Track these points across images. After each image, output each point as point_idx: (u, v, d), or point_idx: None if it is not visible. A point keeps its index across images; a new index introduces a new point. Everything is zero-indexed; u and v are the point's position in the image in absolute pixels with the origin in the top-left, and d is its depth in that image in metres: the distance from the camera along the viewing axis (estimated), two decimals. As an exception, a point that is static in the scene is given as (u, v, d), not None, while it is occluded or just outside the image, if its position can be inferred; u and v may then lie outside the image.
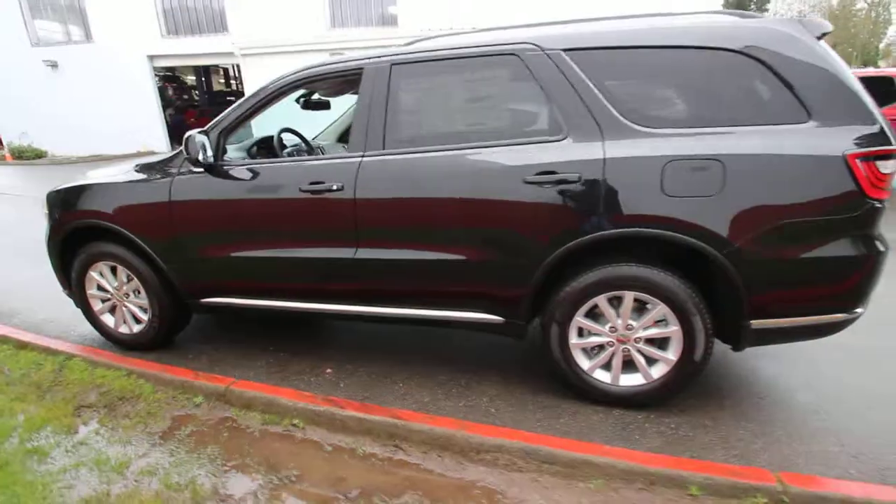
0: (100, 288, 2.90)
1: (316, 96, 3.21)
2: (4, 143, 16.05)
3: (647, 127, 1.95)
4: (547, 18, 2.38)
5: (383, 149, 2.24)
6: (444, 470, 1.88)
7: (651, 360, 2.17)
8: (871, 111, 1.82)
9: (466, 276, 2.22)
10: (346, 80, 2.48)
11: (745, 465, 1.87)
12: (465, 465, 1.90)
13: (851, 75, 1.87)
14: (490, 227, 2.12)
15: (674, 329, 2.06)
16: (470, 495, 1.75)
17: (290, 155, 2.94)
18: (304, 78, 2.40)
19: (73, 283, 2.90)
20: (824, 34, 1.93)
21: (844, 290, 1.95)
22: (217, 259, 2.55)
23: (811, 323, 2.01)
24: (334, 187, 2.26)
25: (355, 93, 3.37)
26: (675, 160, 1.88)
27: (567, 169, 1.98)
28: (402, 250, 2.26)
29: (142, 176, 2.70)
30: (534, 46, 2.07)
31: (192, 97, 23.25)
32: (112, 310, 2.95)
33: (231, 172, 2.47)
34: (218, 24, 15.68)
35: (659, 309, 2.05)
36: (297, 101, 3.12)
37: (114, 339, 2.98)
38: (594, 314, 2.17)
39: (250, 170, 2.45)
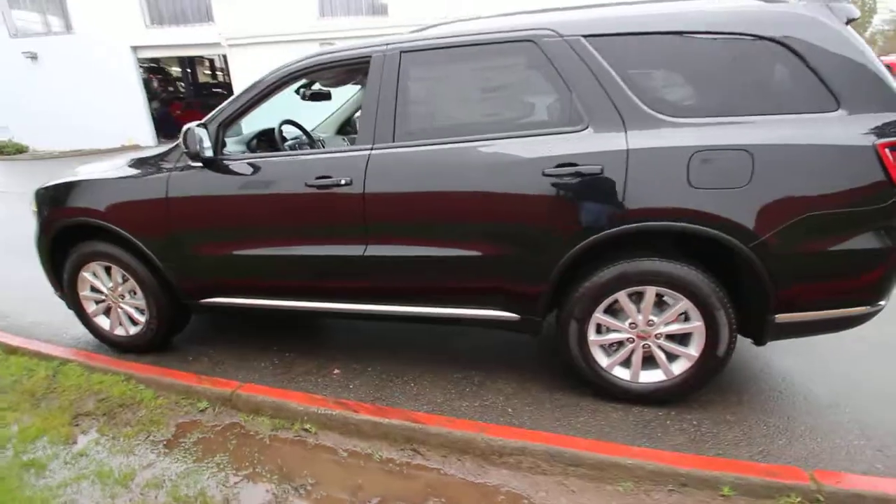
0: (93, 289, 2.78)
1: (316, 87, 3.08)
2: (-17, 138, 15.58)
3: (672, 116, 1.88)
4: (560, 3, 2.28)
5: (393, 141, 2.14)
6: (466, 474, 1.81)
7: (671, 356, 2.12)
8: (901, 98, 1.76)
9: (481, 272, 2.15)
10: (352, 69, 2.37)
11: (772, 461, 1.84)
12: (486, 469, 1.83)
13: (879, 62, 1.81)
14: (507, 221, 2.04)
15: (697, 324, 2.01)
16: (494, 501, 1.69)
17: (291, 148, 2.83)
18: (308, 67, 2.29)
19: (65, 285, 2.77)
20: (851, 19, 1.87)
21: (869, 282, 1.91)
22: (218, 258, 2.44)
23: (835, 316, 1.97)
24: (342, 182, 2.16)
25: (357, 83, 3.33)
26: (702, 151, 1.81)
27: (588, 161, 1.90)
28: (414, 247, 2.17)
29: (136, 171, 2.57)
30: (551, 32, 1.98)
31: (178, 89, 22.77)
32: (107, 311, 2.83)
33: (231, 167, 2.35)
34: (203, 13, 15.29)
35: (682, 304, 1.99)
36: (297, 91, 2.99)
37: (109, 342, 2.86)
38: (612, 310, 2.11)
39: (252, 164, 2.34)
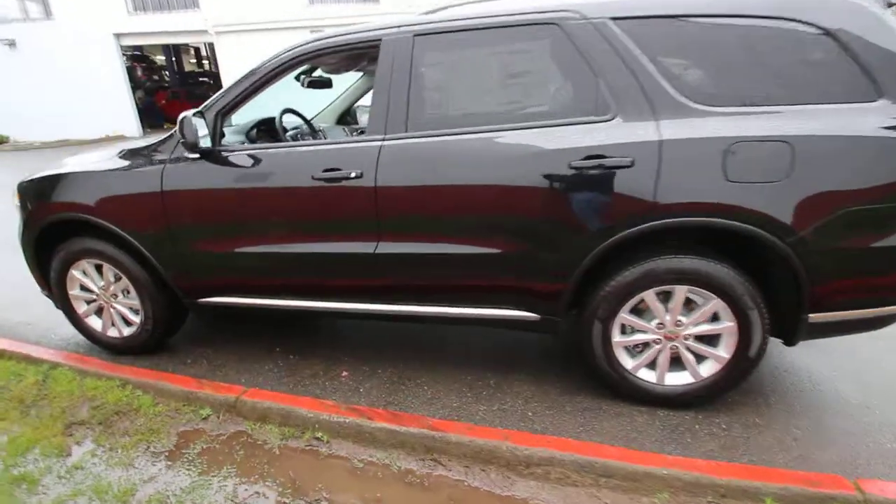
0: (83, 288, 2.62)
1: (317, 73, 2.92)
2: (-40, 127, 15.06)
3: (706, 105, 1.77)
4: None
5: (406, 131, 2.01)
6: (492, 486, 1.71)
7: (699, 358, 2.03)
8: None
9: (499, 270, 2.04)
10: (359, 53, 2.23)
11: (809, 468, 1.77)
12: (513, 481, 1.73)
13: None
14: (529, 217, 1.92)
15: (728, 325, 1.92)
16: (524, 515, 1.60)
17: (293, 139, 2.68)
18: (313, 51, 2.13)
19: (53, 284, 2.61)
20: (892, 4, 1.77)
21: (907, 280, 1.83)
22: (218, 255, 2.30)
23: (871, 315, 1.89)
24: (352, 175, 2.02)
25: (360, 69, 3.17)
26: (740, 142, 1.71)
27: (618, 152, 1.78)
28: (429, 244, 2.05)
29: (127, 163, 2.40)
30: (576, 14, 1.85)
31: (163, 78, 22.21)
32: (98, 312, 2.67)
33: (231, 159, 2.20)
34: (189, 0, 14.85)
35: (713, 304, 1.90)
36: (298, 78, 2.83)
37: (102, 344, 2.71)
38: (637, 310, 2.01)
39: (254, 156, 2.19)
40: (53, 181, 2.48)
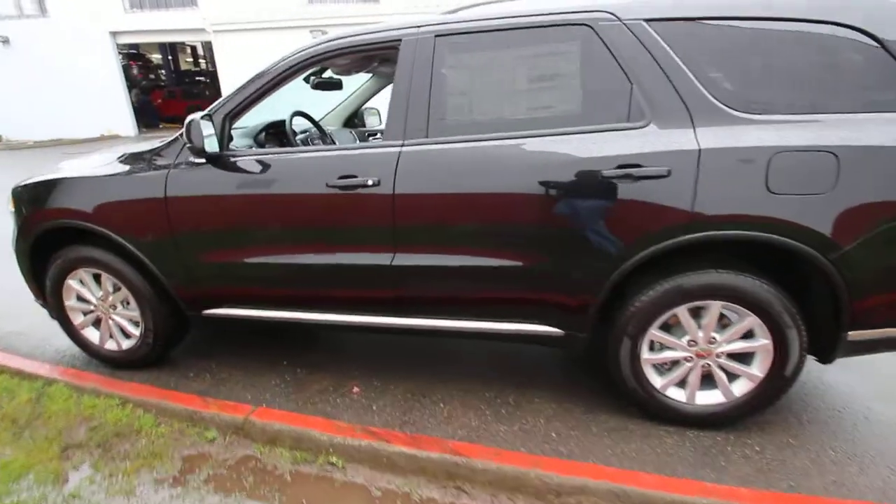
0: (80, 298, 2.50)
1: (327, 74, 2.81)
2: (-48, 126, 14.82)
3: (746, 112, 1.68)
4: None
5: (427, 137, 1.91)
6: (520, 517, 1.61)
7: (731, 376, 1.94)
8: None
9: (524, 283, 1.94)
10: (377, 54, 2.12)
11: (847, 494, 1.68)
12: (543, 511, 1.63)
13: None
14: (557, 227, 1.82)
15: (764, 342, 1.83)
16: (556, 550, 1.49)
17: (303, 143, 2.56)
18: (327, 52, 2.03)
19: (48, 293, 2.49)
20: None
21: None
22: (225, 265, 2.19)
23: (913, 333, 1.80)
24: (369, 182, 1.91)
25: (370, 71, 3.06)
26: (784, 152, 1.62)
27: (654, 161, 1.69)
28: (450, 256, 1.95)
29: (129, 168, 2.29)
30: (610, 16, 1.76)
31: (159, 77, 22.01)
32: (96, 323, 2.55)
33: (240, 164, 2.09)
34: (186, -3, 14.68)
35: (749, 321, 1.81)
36: (307, 80, 2.72)
37: (99, 357, 2.58)
38: (666, 325, 1.92)
39: (264, 161, 2.07)
40: (49, 186, 2.35)
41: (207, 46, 19.83)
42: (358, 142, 3.39)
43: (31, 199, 2.39)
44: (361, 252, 2.03)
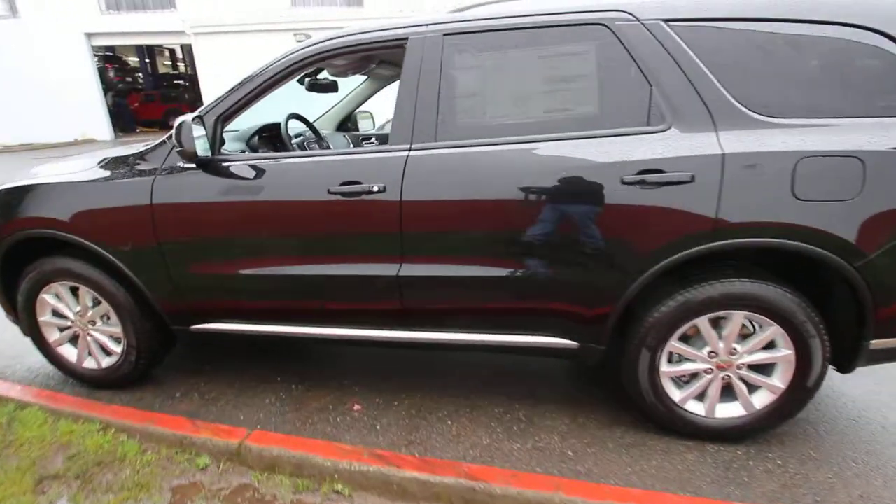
0: (56, 314, 2.31)
1: (323, 76, 2.69)
2: (-87, 129, 14.13)
3: (769, 116, 1.62)
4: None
5: (436, 140, 1.81)
6: (544, 546, 1.51)
7: (751, 388, 1.88)
8: None
9: (539, 293, 1.85)
10: (380, 54, 2.02)
11: (875, 509, 1.63)
12: (568, 538, 1.53)
13: None
14: (573, 235, 1.74)
15: (786, 353, 1.77)
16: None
17: (299, 147, 2.43)
18: (326, 51, 1.91)
19: (20, 308, 2.30)
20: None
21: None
22: (217, 277, 2.05)
23: (936, 341, 1.77)
24: (375, 189, 1.80)
25: (365, 73, 2.95)
26: (810, 157, 1.56)
27: (677, 167, 1.62)
28: (460, 265, 1.85)
29: (110, 173, 2.13)
30: (628, 15, 1.69)
31: (136, 80, 21.47)
32: (73, 340, 2.37)
33: (234, 169, 1.96)
34: (165, -1, 14.35)
35: (771, 331, 1.75)
36: (301, 81, 2.59)
37: (77, 376, 2.40)
38: (684, 337, 1.85)
39: (260, 166, 1.94)
40: (23, 193, 2.18)
41: (187, 49, 19.43)
42: (352, 146, 3.27)
43: (2, 208, 2.21)
44: (365, 262, 1.91)
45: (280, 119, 2.53)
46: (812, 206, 1.58)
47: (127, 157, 2.17)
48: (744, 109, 1.63)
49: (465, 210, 1.79)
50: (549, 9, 1.76)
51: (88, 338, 2.32)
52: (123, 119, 17.22)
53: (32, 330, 2.35)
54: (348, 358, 2.67)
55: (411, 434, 2.02)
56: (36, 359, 2.49)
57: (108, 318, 2.26)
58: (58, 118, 14.26)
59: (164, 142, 2.08)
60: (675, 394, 1.90)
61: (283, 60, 1.94)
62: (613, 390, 2.25)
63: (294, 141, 2.47)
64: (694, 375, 1.90)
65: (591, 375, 2.40)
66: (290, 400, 2.28)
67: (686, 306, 1.74)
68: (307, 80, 2.60)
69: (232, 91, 1.97)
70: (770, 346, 1.79)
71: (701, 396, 1.91)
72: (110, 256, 2.08)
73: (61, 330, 2.35)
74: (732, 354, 1.82)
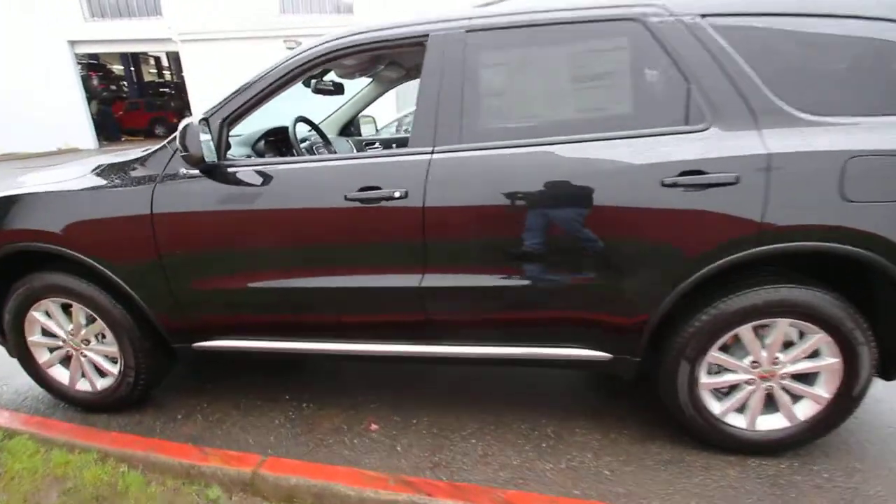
0: (46, 332, 2.15)
1: (329, 77, 2.57)
2: None
3: (814, 114, 1.54)
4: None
5: (460, 142, 1.70)
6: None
7: (794, 399, 1.79)
8: None
9: (570, 303, 1.74)
10: (395, 52, 1.91)
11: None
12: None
13: None
14: (610, 241, 1.64)
15: (832, 361, 1.68)
16: None
17: (308, 151, 2.31)
18: (342, 48, 1.80)
19: (7, 328, 2.14)
20: None
21: None
22: (223, 291, 1.91)
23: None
24: (396, 195, 1.69)
25: (371, 75, 2.84)
26: (858, 157, 1.48)
27: (720, 167, 1.53)
28: (487, 275, 1.74)
29: (105, 182, 1.99)
30: (662, 10, 1.61)
31: (121, 88, 21.12)
32: (65, 360, 2.20)
33: (242, 175, 1.83)
34: (151, 6, 14.15)
35: (817, 339, 1.66)
36: (307, 83, 2.47)
37: (69, 399, 2.24)
38: (723, 347, 1.76)
39: (270, 172, 1.82)
40: (9, 204, 2.02)
41: (172, 57, 19.17)
42: (355, 151, 3.16)
43: (-13, 219, 2.05)
44: (385, 273, 1.79)
45: (281, 123, 2.40)
46: (861, 208, 1.50)
47: (124, 163, 2.03)
48: (786, 107, 1.55)
49: (493, 215, 1.68)
50: (578, 4, 1.67)
51: (82, 358, 2.16)
52: (108, 128, 16.88)
53: (20, 351, 2.18)
54: (359, 372, 2.54)
55: (435, 455, 1.90)
56: (24, 380, 2.32)
57: (104, 336, 2.11)
58: (40, 127, 13.90)
59: (164, 146, 1.95)
60: (715, 406, 1.81)
61: (293, 59, 1.82)
62: (640, 402, 2.15)
63: (302, 145, 2.34)
64: (734, 387, 1.80)
65: (614, 386, 2.30)
66: (301, 420, 2.14)
67: (728, 314, 1.65)
68: (313, 82, 2.48)
69: (238, 92, 1.84)
70: (814, 354, 1.71)
71: (741, 408, 1.82)
72: (106, 270, 1.94)
73: (52, 350, 2.19)
74: (775, 364, 1.73)
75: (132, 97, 19.80)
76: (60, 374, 2.21)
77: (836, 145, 1.50)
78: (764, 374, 1.75)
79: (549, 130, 1.69)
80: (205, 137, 1.74)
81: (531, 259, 1.71)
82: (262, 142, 2.25)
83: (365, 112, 3.38)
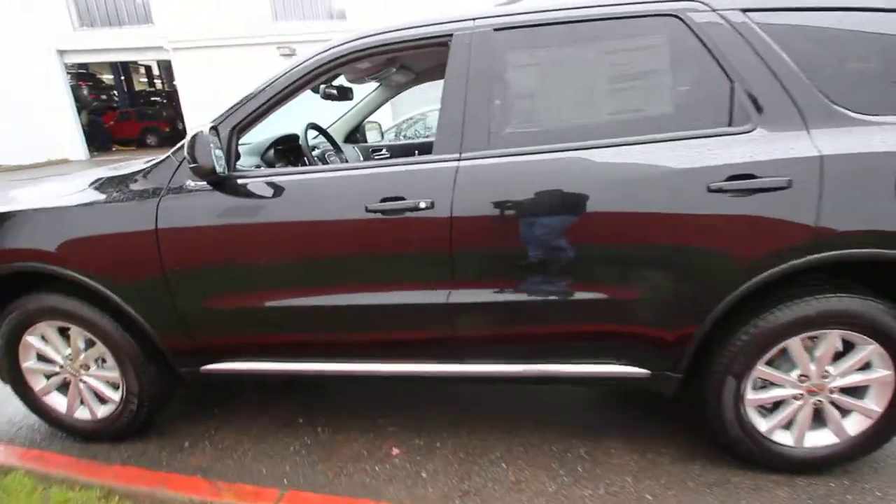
0: (42, 358, 2.01)
1: (338, 82, 2.47)
2: None
3: (865, 114, 1.46)
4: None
5: (489, 148, 1.60)
6: None
7: (843, 413, 1.69)
8: None
9: (609, 317, 1.64)
10: (414, 54, 1.81)
11: None
12: None
13: None
14: (652, 251, 1.54)
15: (884, 374, 1.59)
16: None
17: (320, 160, 2.19)
18: (359, 50, 1.69)
19: (0, 354, 1.99)
20: None
21: None
22: (235, 311, 1.79)
23: None
24: (422, 205, 1.58)
25: (379, 80, 2.74)
26: (916, 157, 1.40)
27: (771, 171, 1.44)
28: (520, 290, 1.63)
29: (104, 196, 1.86)
30: (702, 5, 1.52)
31: (111, 98, 20.88)
32: (63, 386, 2.06)
33: (253, 187, 1.71)
34: (141, 14, 13.99)
35: (869, 350, 1.57)
36: (315, 89, 2.36)
37: (66, 428, 2.10)
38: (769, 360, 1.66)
39: (284, 183, 1.70)
40: (1, 221, 1.88)
41: (164, 65, 19.00)
42: (362, 158, 3.05)
43: (-24, 238, 1.91)
44: (410, 289, 1.68)
45: (283, 130, 2.29)
46: (921, 212, 1.41)
47: (125, 176, 1.91)
48: (835, 106, 1.46)
49: (528, 226, 1.57)
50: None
51: (81, 384, 2.02)
52: (99, 138, 16.65)
53: (14, 377, 2.04)
54: (373, 390, 2.41)
55: (463, 482, 1.78)
56: (17, 408, 2.17)
57: (104, 361, 1.98)
58: (29, 138, 13.65)
59: (168, 158, 1.82)
60: (761, 424, 1.70)
61: (307, 63, 1.71)
62: (672, 417, 2.05)
63: (315, 154, 2.23)
64: (779, 403, 1.70)
65: (642, 401, 2.19)
66: (318, 446, 2.01)
67: (779, 326, 1.55)
68: (322, 87, 2.38)
69: (249, 98, 1.73)
70: (865, 366, 1.62)
71: (787, 425, 1.72)
72: (107, 291, 1.80)
73: (48, 377, 2.04)
74: (825, 377, 1.63)
75: (123, 107, 19.58)
76: (57, 402, 2.07)
77: (890, 146, 1.41)
78: (812, 387, 1.65)
79: (583, 134, 1.59)
80: (218, 147, 1.62)
81: (567, 270, 1.60)
82: (272, 151, 2.13)
83: (370, 118, 3.27)
